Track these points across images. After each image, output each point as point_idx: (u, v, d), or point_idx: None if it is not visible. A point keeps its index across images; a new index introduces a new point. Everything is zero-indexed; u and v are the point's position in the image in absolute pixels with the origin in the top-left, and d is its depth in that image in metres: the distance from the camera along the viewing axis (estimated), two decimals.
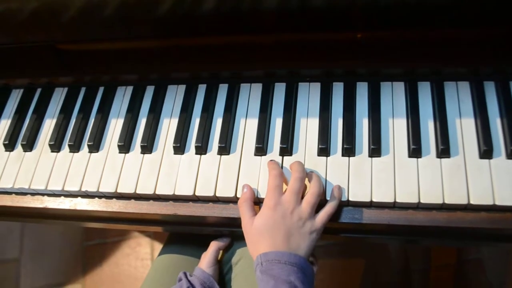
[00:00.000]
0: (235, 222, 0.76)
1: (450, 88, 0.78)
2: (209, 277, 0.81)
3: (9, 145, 0.89)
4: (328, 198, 0.72)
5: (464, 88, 0.78)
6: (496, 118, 0.75)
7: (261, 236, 0.68)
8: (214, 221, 0.80)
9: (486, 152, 0.71)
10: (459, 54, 0.77)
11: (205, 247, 0.95)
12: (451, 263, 1.55)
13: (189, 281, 0.79)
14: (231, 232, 0.85)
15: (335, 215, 0.73)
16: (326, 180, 0.74)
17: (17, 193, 0.86)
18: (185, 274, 0.81)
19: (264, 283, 0.64)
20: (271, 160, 0.76)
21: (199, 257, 0.94)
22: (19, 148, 0.89)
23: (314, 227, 0.69)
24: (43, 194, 0.85)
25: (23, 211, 0.88)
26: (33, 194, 0.85)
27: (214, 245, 0.88)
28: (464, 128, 0.75)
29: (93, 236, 1.80)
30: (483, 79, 0.78)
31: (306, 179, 0.73)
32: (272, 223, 0.68)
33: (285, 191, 0.71)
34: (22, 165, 0.86)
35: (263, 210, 0.69)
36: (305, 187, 0.72)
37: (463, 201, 0.69)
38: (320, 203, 0.71)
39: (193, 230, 0.85)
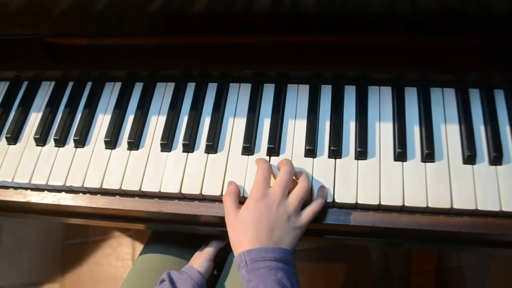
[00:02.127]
0: (221, 221, 0.75)
1: (436, 94, 0.80)
2: (202, 279, 0.80)
3: None
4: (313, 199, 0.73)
5: (450, 94, 0.80)
6: (480, 125, 0.76)
7: (244, 228, 0.67)
8: (199, 220, 0.80)
9: (470, 157, 0.72)
10: (446, 61, 0.79)
11: (188, 247, 0.95)
12: (431, 270, 1.57)
13: (173, 283, 0.77)
14: (220, 232, 0.84)
15: (320, 216, 0.73)
16: (312, 181, 0.74)
17: None
18: (169, 275, 0.79)
19: (252, 286, 0.63)
20: (259, 158, 0.76)
21: (182, 257, 0.94)
22: (3, 141, 0.87)
23: (299, 223, 0.69)
24: (26, 188, 0.84)
25: (5, 205, 0.87)
26: (16, 187, 0.84)
27: (213, 244, 0.88)
28: (449, 134, 0.76)
29: (74, 235, 1.78)
30: (468, 86, 0.79)
31: (294, 176, 0.73)
32: (257, 215, 0.67)
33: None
34: (5, 158, 0.85)
35: (249, 201, 0.69)
36: (293, 184, 0.73)
37: (446, 205, 0.70)
38: (305, 203, 0.72)
39: (178, 229, 0.85)
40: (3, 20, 0.87)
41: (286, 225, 0.67)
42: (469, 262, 1.55)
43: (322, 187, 0.73)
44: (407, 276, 1.57)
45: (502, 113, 0.76)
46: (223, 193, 0.75)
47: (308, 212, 0.70)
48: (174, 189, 0.77)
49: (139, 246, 1.71)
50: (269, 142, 0.79)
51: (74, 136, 0.84)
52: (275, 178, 0.74)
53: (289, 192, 0.71)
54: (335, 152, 0.76)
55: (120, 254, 1.72)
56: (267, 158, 0.78)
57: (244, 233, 0.67)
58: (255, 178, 0.71)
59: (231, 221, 0.70)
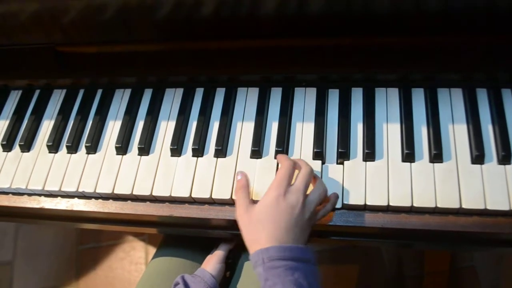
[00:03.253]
0: (232, 224, 0.76)
1: (443, 95, 0.80)
2: (215, 282, 0.81)
3: (7, 146, 0.89)
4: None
5: (457, 94, 0.80)
6: (488, 124, 0.76)
7: (261, 225, 0.65)
8: (210, 223, 0.81)
9: (478, 157, 0.72)
10: (452, 61, 0.79)
11: (201, 250, 0.96)
12: (444, 270, 1.56)
13: (187, 286, 0.78)
14: (232, 235, 0.84)
15: (331, 218, 0.74)
16: None
17: (14, 193, 0.87)
18: (183, 278, 0.80)
19: (269, 285, 0.62)
20: (282, 155, 0.75)
21: (195, 260, 0.95)
22: (16, 148, 0.89)
23: (313, 221, 0.69)
24: (40, 195, 0.85)
25: (19, 211, 0.88)
26: (30, 194, 0.86)
27: (222, 246, 0.89)
28: (456, 134, 0.76)
29: (87, 239, 1.80)
30: (475, 85, 0.79)
31: None
32: (277, 212, 0.65)
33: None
34: (19, 165, 0.87)
35: (269, 197, 0.66)
36: None
37: (455, 205, 0.70)
38: None
39: (189, 232, 0.85)
40: (14, 30, 0.88)
41: (306, 223, 0.66)
42: (482, 262, 1.54)
43: (335, 194, 0.73)
44: (420, 277, 1.56)
45: (510, 112, 0.76)
46: (233, 198, 0.76)
47: (323, 213, 0.70)
48: (185, 193, 0.78)
49: (152, 250, 1.72)
50: (277, 145, 0.79)
51: (86, 142, 0.86)
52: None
53: None
54: (343, 154, 0.76)
55: (134, 258, 1.74)
56: (275, 161, 0.79)
57: (261, 230, 0.65)
58: (278, 173, 0.69)
59: (245, 217, 0.68)
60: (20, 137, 0.90)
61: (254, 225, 0.66)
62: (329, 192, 0.73)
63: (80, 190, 0.82)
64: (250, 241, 0.67)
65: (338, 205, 0.73)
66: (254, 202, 0.69)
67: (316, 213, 0.69)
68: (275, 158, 0.79)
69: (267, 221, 0.65)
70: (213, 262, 0.86)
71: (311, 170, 0.70)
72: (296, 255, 0.63)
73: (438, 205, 0.70)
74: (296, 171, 0.71)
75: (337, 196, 0.73)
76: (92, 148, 0.86)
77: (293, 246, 0.64)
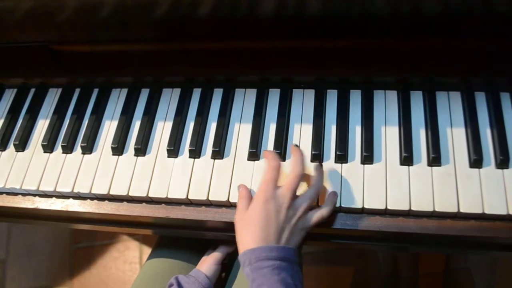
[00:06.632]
0: (228, 226, 0.76)
1: (442, 98, 0.80)
2: (209, 283, 0.81)
3: (1, 145, 0.88)
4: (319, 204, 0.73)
5: (456, 98, 0.79)
6: (486, 128, 0.76)
7: (251, 227, 0.67)
8: (206, 225, 0.80)
9: (476, 161, 0.72)
10: (451, 64, 0.78)
11: (196, 251, 0.96)
12: (439, 271, 1.56)
13: (181, 287, 0.78)
14: (229, 237, 0.84)
15: (327, 221, 0.73)
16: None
17: (8, 193, 0.86)
18: (177, 279, 0.80)
19: (256, 286, 0.63)
20: (267, 150, 0.75)
21: (190, 261, 0.94)
22: (11, 148, 0.88)
23: (306, 225, 0.69)
24: (34, 195, 0.85)
25: (13, 211, 0.88)
26: (24, 194, 0.85)
27: (221, 248, 0.89)
28: (455, 138, 0.76)
29: (82, 239, 1.79)
30: (474, 89, 0.79)
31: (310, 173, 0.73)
32: (265, 215, 0.66)
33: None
34: (14, 165, 0.86)
35: (257, 201, 0.68)
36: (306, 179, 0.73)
37: (453, 209, 0.70)
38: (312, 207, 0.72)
39: (185, 234, 0.85)
40: (9, 28, 0.87)
41: (294, 227, 0.68)
42: (477, 264, 1.55)
43: (334, 193, 0.73)
44: (415, 278, 1.57)
45: (508, 116, 0.76)
46: (230, 199, 0.76)
47: (317, 215, 0.70)
48: (181, 195, 0.77)
49: (147, 250, 1.71)
50: (275, 147, 0.79)
51: (81, 142, 0.85)
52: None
53: None
54: (341, 156, 0.76)
55: (128, 258, 1.73)
56: None
57: (250, 232, 0.67)
58: (263, 176, 0.70)
59: (238, 219, 0.70)
60: (15, 137, 0.89)
61: (243, 228, 0.68)
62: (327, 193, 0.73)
63: (75, 190, 0.81)
64: (240, 243, 0.69)
65: (336, 205, 0.73)
66: None
67: (307, 216, 0.69)
68: None
69: (255, 224, 0.67)
70: (208, 263, 0.85)
71: (299, 175, 0.70)
72: (282, 255, 0.64)
73: (436, 209, 0.70)
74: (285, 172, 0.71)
75: (332, 202, 0.72)
76: (88, 148, 0.85)
77: (280, 246, 0.65)
